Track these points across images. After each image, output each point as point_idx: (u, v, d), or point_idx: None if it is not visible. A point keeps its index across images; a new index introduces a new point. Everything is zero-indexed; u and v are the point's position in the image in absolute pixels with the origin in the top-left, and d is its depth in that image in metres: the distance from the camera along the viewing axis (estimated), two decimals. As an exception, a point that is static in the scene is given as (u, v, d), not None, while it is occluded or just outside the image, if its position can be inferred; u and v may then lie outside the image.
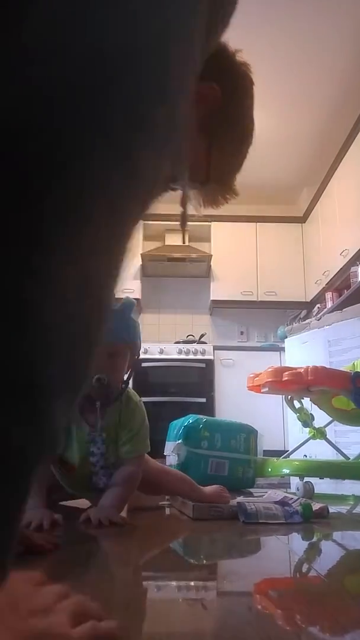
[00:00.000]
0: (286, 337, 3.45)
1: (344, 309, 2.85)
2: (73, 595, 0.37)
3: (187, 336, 4.32)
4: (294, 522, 1.03)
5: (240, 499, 1.22)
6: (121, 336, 1.05)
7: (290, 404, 1.82)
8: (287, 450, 1.98)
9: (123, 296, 1.10)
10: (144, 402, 1.16)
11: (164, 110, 0.25)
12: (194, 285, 4.70)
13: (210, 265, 4.47)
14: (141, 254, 4.44)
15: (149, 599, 0.54)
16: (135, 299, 3.75)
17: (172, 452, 1.66)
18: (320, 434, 1.78)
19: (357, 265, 3.24)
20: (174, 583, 0.64)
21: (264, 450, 1.90)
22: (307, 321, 3.32)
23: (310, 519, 1.06)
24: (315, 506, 1.23)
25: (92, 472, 1.06)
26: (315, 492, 1.53)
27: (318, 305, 4.10)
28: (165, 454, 1.74)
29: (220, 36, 0.38)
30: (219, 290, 4.43)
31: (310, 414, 1.80)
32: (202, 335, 4.33)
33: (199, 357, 3.93)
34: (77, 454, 1.05)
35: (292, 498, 1.26)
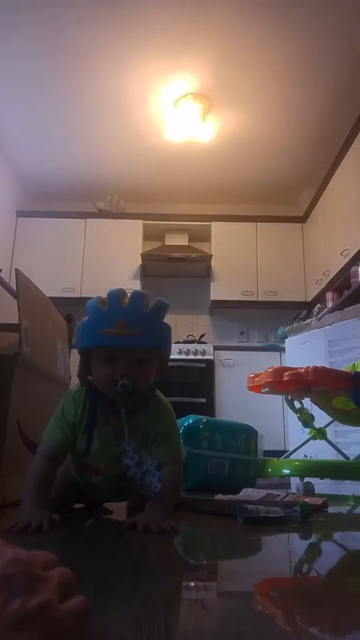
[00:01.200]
0: (286, 337, 3.45)
1: (344, 309, 2.85)
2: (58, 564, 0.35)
3: (187, 336, 4.32)
4: (293, 517, 1.03)
5: (219, 496, 1.22)
6: (151, 341, 0.94)
7: (290, 404, 1.82)
8: (288, 451, 1.98)
9: (157, 297, 0.96)
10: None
11: None
12: (194, 285, 4.71)
13: (210, 265, 4.47)
14: (141, 254, 4.44)
15: (148, 598, 0.54)
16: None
17: (172, 452, 1.66)
18: (320, 434, 1.78)
19: (358, 265, 3.24)
20: (174, 583, 0.64)
21: (264, 451, 1.90)
22: (307, 321, 3.32)
23: (309, 517, 1.06)
24: (315, 500, 1.23)
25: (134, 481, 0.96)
26: (315, 492, 1.53)
27: (318, 305, 4.09)
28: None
29: None
30: (219, 290, 4.43)
31: (311, 414, 1.80)
32: (202, 335, 4.34)
33: (199, 357, 3.94)
34: (102, 459, 0.99)
35: (278, 495, 1.26)
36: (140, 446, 0.96)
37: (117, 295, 0.93)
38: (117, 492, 1.07)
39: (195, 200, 4.78)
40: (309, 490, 1.52)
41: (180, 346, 3.98)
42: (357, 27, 2.82)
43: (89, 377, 1.00)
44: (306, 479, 1.58)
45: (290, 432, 3.27)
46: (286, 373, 1.72)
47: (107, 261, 4.39)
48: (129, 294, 0.95)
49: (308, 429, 1.80)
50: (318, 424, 1.80)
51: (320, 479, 1.73)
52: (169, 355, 1.01)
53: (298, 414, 1.78)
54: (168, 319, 0.97)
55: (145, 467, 0.93)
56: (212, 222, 4.59)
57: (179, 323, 4.51)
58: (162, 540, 0.84)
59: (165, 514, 0.93)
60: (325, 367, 1.79)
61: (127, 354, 0.92)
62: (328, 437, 1.84)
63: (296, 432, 2.71)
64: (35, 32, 2.88)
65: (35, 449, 1.03)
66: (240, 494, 1.34)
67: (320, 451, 2.23)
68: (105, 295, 0.95)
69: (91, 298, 0.95)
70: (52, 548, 0.78)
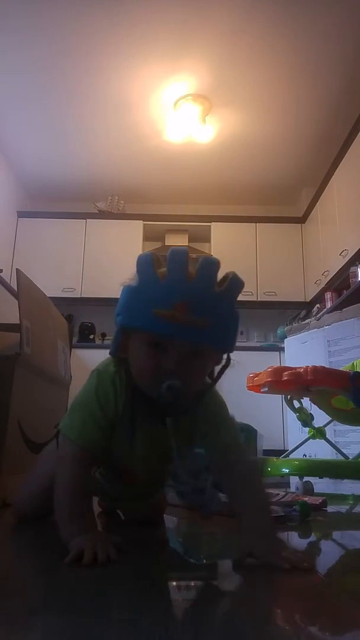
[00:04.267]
0: (286, 337, 3.45)
1: (344, 309, 2.85)
2: None
3: (187, 336, 4.32)
4: (292, 516, 1.03)
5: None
6: (220, 340, 0.69)
7: (289, 403, 1.82)
8: (287, 450, 1.99)
9: (226, 270, 0.70)
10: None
11: None
12: (194, 285, 4.70)
13: (210, 265, 4.46)
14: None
15: (147, 598, 0.54)
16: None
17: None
18: (319, 433, 1.78)
19: (357, 266, 3.25)
20: (173, 583, 0.64)
21: (263, 450, 1.91)
22: (306, 321, 3.32)
23: (308, 516, 1.06)
24: (314, 500, 1.23)
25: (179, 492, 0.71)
26: (314, 491, 1.53)
27: (317, 305, 4.10)
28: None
29: None
30: (218, 290, 4.42)
31: (310, 413, 1.80)
32: (201, 335, 4.33)
33: (199, 357, 3.93)
34: (144, 464, 0.79)
35: (277, 494, 1.26)
36: (184, 443, 0.73)
37: (183, 263, 0.66)
38: (141, 498, 0.90)
39: (195, 200, 4.78)
40: (308, 489, 1.53)
41: (180, 346, 3.97)
42: (357, 27, 2.82)
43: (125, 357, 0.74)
44: (305, 478, 1.59)
45: (289, 432, 3.28)
46: (285, 373, 1.72)
47: (107, 261, 4.39)
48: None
49: (307, 429, 1.80)
50: (317, 423, 1.80)
51: (320, 478, 1.74)
52: (232, 350, 0.73)
53: (297, 414, 1.78)
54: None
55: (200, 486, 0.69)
56: (212, 223, 4.59)
57: (178, 323, 4.51)
58: (161, 540, 0.84)
59: (274, 533, 0.73)
60: (324, 366, 1.79)
61: (182, 345, 0.67)
62: (327, 436, 1.84)
63: (295, 432, 2.71)
64: (35, 32, 2.88)
65: (36, 449, 0.98)
66: None
67: (319, 450, 2.23)
68: (161, 256, 0.68)
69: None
70: (49, 547, 0.78)
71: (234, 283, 0.70)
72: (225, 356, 0.74)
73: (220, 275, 0.69)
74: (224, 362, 0.74)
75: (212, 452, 0.73)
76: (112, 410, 0.73)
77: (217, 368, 0.76)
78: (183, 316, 0.64)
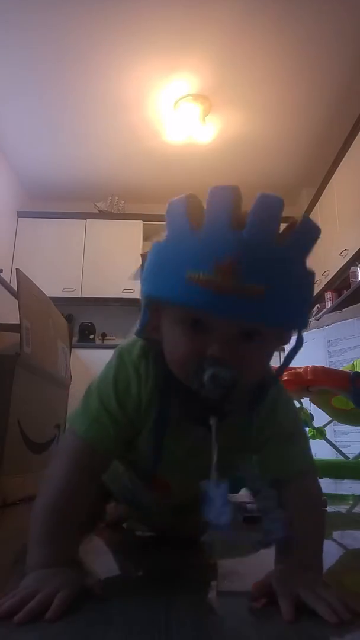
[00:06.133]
0: (286, 337, 3.45)
1: (343, 309, 2.85)
2: None
3: (187, 336, 4.32)
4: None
5: None
6: (282, 313, 0.48)
7: (289, 403, 1.82)
8: (287, 450, 1.98)
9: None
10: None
11: None
12: (194, 285, 4.70)
13: (210, 265, 4.46)
14: (141, 254, 4.40)
15: (147, 598, 0.54)
16: (135, 299, 3.70)
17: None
18: (319, 433, 1.78)
19: (357, 266, 3.25)
20: (174, 584, 0.64)
21: (263, 450, 1.91)
22: (306, 321, 3.32)
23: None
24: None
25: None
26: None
27: (317, 305, 4.10)
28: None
29: None
30: (218, 290, 4.42)
31: (310, 413, 1.80)
32: (201, 335, 4.33)
33: (199, 357, 3.93)
34: (177, 471, 0.62)
35: None
36: (233, 449, 0.55)
37: (229, 204, 0.49)
38: (180, 513, 0.71)
39: (195, 200, 4.78)
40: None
41: (180, 346, 3.97)
42: (358, 28, 2.82)
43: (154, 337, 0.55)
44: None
45: (289, 432, 3.28)
46: (285, 373, 1.73)
47: (107, 261, 4.39)
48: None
49: (307, 429, 1.80)
50: (317, 423, 1.81)
51: (320, 478, 1.74)
52: (305, 327, 0.53)
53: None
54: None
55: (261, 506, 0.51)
56: (212, 222, 4.59)
57: (178, 323, 4.51)
58: (162, 541, 0.84)
59: (319, 575, 0.56)
60: (324, 366, 1.80)
61: (229, 323, 0.48)
62: (327, 436, 1.84)
63: (296, 432, 2.71)
64: (33, 31, 2.88)
65: (36, 449, 0.95)
66: (240, 493, 1.34)
67: (319, 450, 2.23)
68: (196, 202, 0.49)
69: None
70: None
71: (306, 231, 0.49)
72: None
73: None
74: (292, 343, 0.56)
75: (273, 475, 0.57)
76: (133, 404, 0.56)
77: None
78: (228, 281, 0.45)
